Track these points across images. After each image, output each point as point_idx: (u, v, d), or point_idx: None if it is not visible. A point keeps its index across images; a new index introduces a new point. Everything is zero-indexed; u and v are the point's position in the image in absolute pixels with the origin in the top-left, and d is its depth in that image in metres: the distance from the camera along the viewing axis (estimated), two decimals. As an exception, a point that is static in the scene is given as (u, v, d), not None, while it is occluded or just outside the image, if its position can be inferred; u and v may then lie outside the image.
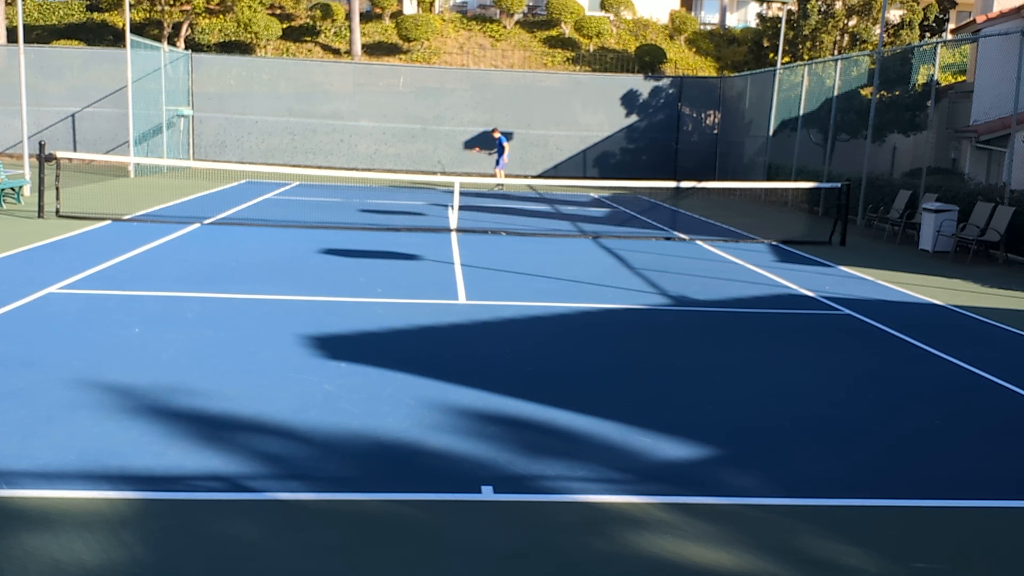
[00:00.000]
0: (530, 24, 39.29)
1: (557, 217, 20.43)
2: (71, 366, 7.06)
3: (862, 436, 6.30)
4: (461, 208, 20.01)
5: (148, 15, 34.32)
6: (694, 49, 38.73)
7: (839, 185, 17.67)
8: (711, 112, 33.22)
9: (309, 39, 36.93)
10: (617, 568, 4.27)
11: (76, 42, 35.03)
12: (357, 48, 35.36)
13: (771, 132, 26.86)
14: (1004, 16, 22.47)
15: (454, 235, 16.11)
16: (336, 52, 36.30)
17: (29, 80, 24.20)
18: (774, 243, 16.95)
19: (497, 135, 27.49)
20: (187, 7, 33.21)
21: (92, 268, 11.26)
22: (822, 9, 29.71)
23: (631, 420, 6.35)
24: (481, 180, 26.41)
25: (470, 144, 31.76)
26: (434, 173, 30.98)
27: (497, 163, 27.33)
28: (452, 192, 22.70)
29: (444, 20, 38.43)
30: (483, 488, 5.09)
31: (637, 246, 15.83)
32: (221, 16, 35.45)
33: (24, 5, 35.48)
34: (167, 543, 4.30)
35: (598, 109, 32.81)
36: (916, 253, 16.57)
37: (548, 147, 32.72)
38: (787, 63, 28.61)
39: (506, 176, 27.62)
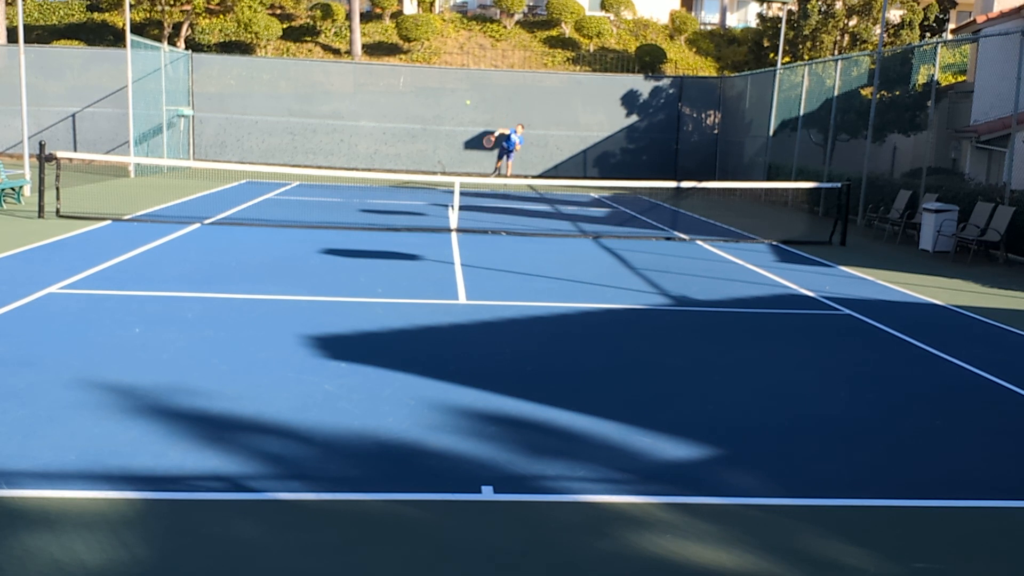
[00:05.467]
0: (530, 24, 39.29)
1: (557, 217, 20.43)
2: (71, 366, 7.06)
3: (862, 436, 6.30)
4: (461, 208, 20.01)
5: (148, 15, 34.32)
6: (694, 49, 38.73)
7: (839, 185, 17.67)
8: (711, 112, 33.22)
9: (309, 39, 36.93)
10: (617, 568, 4.27)
11: (76, 42, 35.04)
12: (357, 48, 35.35)
13: (771, 132, 26.86)
14: (1004, 16, 22.47)
15: (454, 235, 16.11)
16: (336, 52, 36.30)
17: (29, 80, 24.20)
18: (774, 243, 16.95)
19: (506, 132, 27.75)
20: (187, 7, 33.21)
21: (92, 268, 11.26)
22: (822, 9, 29.70)
23: (631, 420, 6.35)
24: (481, 180, 26.41)
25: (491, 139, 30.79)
26: (434, 173, 30.98)
27: (505, 156, 27.58)
28: (452, 192, 22.70)
29: (444, 20, 38.43)
30: (483, 488, 5.09)
31: (637, 246, 15.83)
32: (221, 16, 35.46)
33: (24, 5, 35.47)
34: (168, 543, 4.31)
35: (598, 109, 32.80)
36: (916, 253, 16.57)
37: (548, 147, 32.72)
38: (787, 63, 28.61)
39: (507, 175, 27.59)
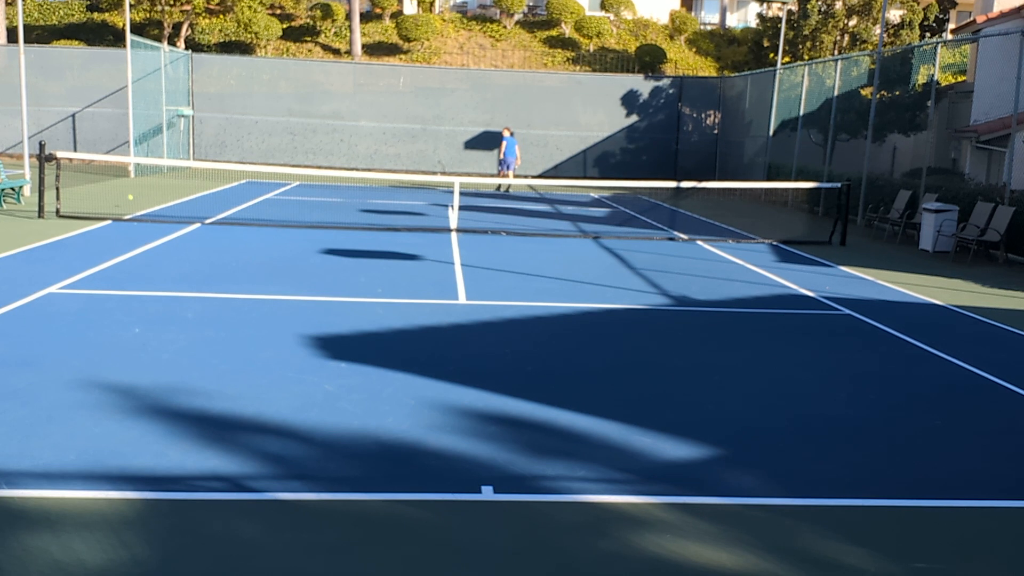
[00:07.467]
0: (530, 24, 39.29)
1: (557, 217, 20.43)
2: (71, 366, 7.06)
3: (862, 436, 6.30)
4: (461, 208, 20.01)
5: (148, 15, 34.32)
6: (694, 49, 38.73)
7: (839, 185, 17.67)
8: (711, 112, 33.22)
9: (309, 39, 36.93)
10: (617, 568, 4.27)
11: (76, 42, 35.03)
12: (357, 48, 35.36)
13: (771, 132, 26.86)
14: (1004, 16, 22.47)
15: (454, 235, 16.11)
16: (336, 52, 36.30)
17: (29, 80, 24.20)
18: (774, 243, 16.95)
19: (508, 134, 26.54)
20: (187, 7, 33.21)
21: (92, 268, 11.26)
22: (822, 9, 29.71)
23: (631, 420, 6.35)
24: (481, 180, 26.38)
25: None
26: (434, 173, 30.98)
27: (507, 165, 26.54)
28: (452, 192, 22.69)
29: (444, 20, 38.43)
30: (483, 488, 5.09)
31: (637, 246, 15.83)
32: (221, 16, 35.46)
33: (24, 5, 35.47)
34: (168, 543, 4.31)
35: (598, 109, 32.81)
36: (916, 253, 16.57)
37: (548, 147, 32.72)
38: (787, 63, 28.61)
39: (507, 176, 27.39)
